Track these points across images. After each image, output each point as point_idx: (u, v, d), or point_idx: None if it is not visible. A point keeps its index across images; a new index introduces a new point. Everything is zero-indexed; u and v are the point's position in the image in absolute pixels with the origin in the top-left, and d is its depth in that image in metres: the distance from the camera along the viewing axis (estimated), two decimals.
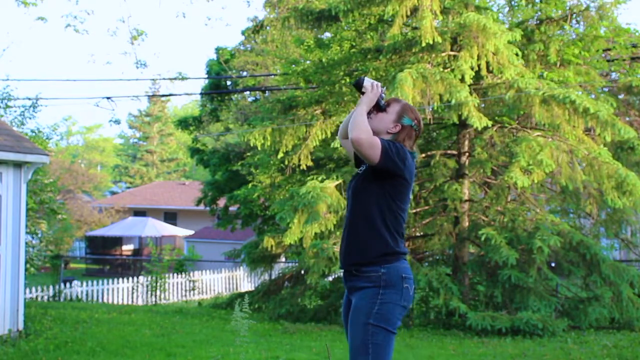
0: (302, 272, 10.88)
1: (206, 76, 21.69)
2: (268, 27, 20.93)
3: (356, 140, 2.74)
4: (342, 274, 3.00)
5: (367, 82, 2.91)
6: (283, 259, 15.07)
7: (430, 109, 9.42)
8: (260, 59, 20.69)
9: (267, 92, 19.38)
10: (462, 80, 9.23)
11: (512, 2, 11.81)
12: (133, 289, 16.31)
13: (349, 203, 2.95)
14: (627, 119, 11.89)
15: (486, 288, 9.85)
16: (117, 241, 28.24)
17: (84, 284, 15.81)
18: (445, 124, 10.84)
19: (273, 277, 13.09)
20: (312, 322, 10.06)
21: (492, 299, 9.58)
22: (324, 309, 10.67)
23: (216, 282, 19.12)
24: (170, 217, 33.06)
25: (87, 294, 15.54)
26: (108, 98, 14.06)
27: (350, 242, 2.89)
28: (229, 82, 21.62)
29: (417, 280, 9.16)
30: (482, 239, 9.02)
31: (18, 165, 8.13)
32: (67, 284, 15.64)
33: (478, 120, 8.98)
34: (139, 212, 32.85)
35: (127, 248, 28.53)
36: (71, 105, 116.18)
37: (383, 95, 2.95)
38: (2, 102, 15.28)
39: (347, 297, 3.01)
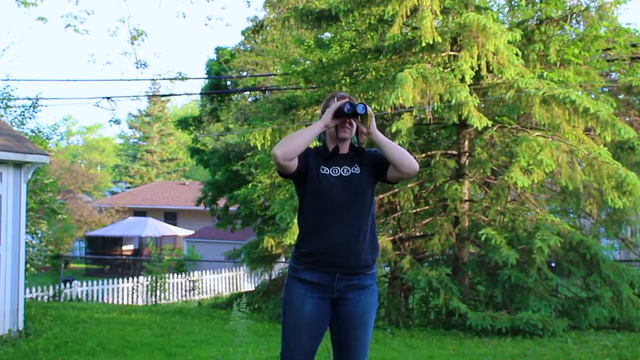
0: None
1: (206, 76, 21.69)
2: (268, 27, 20.95)
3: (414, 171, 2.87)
4: (331, 273, 2.89)
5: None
6: (283, 259, 15.06)
7: (430, 109, 9.41)
8: (260, 59, 20.69)
9: (267, 92, 19.38)
10: (462, 80, 9.23)
11: (512, 2, 11.81)
12: (133, 289, 16.31)
13: (349, 202, 2.89)
14: (627, 119, 11.89)
15: (486, 288, 9.84)
16: (117, 241, 28.24)
17: (84, 284, 15.81)
18: (445, 124, 10.84)
19: (273, 277, 13.10)
20: None
21: (492, 299, 9.58)
22: None
23: (216, 282, 19.12)
24: (170, 217, 33.07)
25: (87, 294, 15.54)
26: (108, 98, 14.06)
27: (365, 240, 2.91)
28: (229, 82, 21.63)
29: (417, 281, 9.17)
30: (482, 239, 9.02)
31: (18, 165, 8.13)
32: (67, 284, 15.64)
33: (478, 120, 8.97)
34: (139, 212, 32.86)
35: (127, 248, 28.53)
36: (71, 105, 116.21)
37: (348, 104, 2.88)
38: (2, 102, 15.28)
39: (319, 299, 2.89)
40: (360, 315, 2.93)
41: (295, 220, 9.16)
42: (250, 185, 17.04)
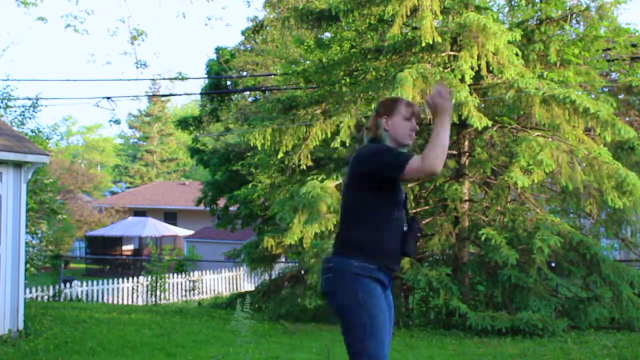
0: (302, 272, 10.88)
1: (206, 76, 21.71)
2: (268, 27, 20.98)
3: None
4: (385, 271, 3.04)
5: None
6: (283, 259, 15.07)
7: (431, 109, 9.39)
8: (260, 59, 20.70)
9: (267, 92, 19.40)
10: (462, 80, 9.23)
11: (512, 2, 11.81)
12: (133, 289, 16.32)
13: (399, 209, 3.02)
14: (627, 119, 11.89)
15: (486, 288, 9.84)
16: (117, 241, 28.24)
17: (84, 284, 15.82)
18: None
19: (273, 277, 13.09)
20: (312, 322, 10.05)
21: (492, 299, 9.57)
22: (324, 309, 10.66)
23: (216, 282, 19.12)
24: (170, 217, 33.07)
25: (87, 294, 15.54)
26: (108, 98, 14.07)
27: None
28: (229, 82, 21.64)
29: (417, 280, 9.17)
30: (482, 239, 9.01)
31: (18, 165, 8.13)
32: (67, 284, 15.65)
33: (478, 120, 8.97)
34: (139, 212, 32.86)
35: (127, 248, 28.53)
36: (71, 105, 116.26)
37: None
38: (2, 102, 15.29)
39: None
40: (391, 309, 3.08)
41: (296, 220, 9.16)
42: (250, 185, 17.06)
